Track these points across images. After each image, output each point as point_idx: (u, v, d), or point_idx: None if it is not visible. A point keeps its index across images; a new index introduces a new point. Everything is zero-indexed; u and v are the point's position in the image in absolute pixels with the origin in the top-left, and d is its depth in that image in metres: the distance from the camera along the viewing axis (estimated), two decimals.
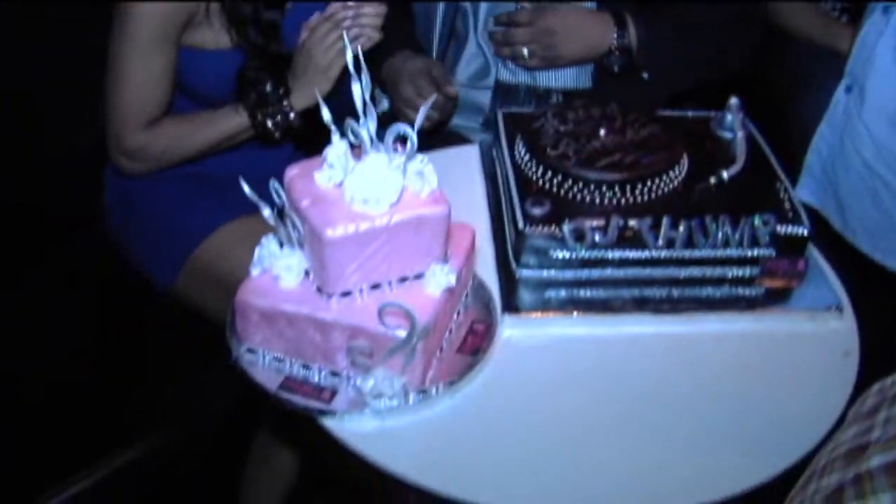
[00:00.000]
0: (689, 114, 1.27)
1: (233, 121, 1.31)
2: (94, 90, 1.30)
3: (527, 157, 1.13)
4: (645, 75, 1.46)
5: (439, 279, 0.91)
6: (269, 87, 1.29)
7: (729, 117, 1.21)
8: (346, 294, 0.90)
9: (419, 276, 0.92)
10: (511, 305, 1.04)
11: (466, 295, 1.04)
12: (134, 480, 1.19)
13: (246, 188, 0.91)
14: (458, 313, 1.01)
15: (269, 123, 1.30)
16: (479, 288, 1.06)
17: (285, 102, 1.29)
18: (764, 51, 1.59)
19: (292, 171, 0.93)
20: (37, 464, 1.18)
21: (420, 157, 0.90)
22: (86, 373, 1.31)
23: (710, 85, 1.47)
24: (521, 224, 1.04)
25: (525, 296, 1.06)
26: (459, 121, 1.56)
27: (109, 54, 1.26)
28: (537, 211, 1.05)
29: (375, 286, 0.91)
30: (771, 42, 1.63)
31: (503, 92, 1.52)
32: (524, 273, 1.06)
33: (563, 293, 1.07)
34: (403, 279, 0.92)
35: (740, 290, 1.08)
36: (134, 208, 1.39)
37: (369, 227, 0.87)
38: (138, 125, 1.28)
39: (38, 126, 1.46)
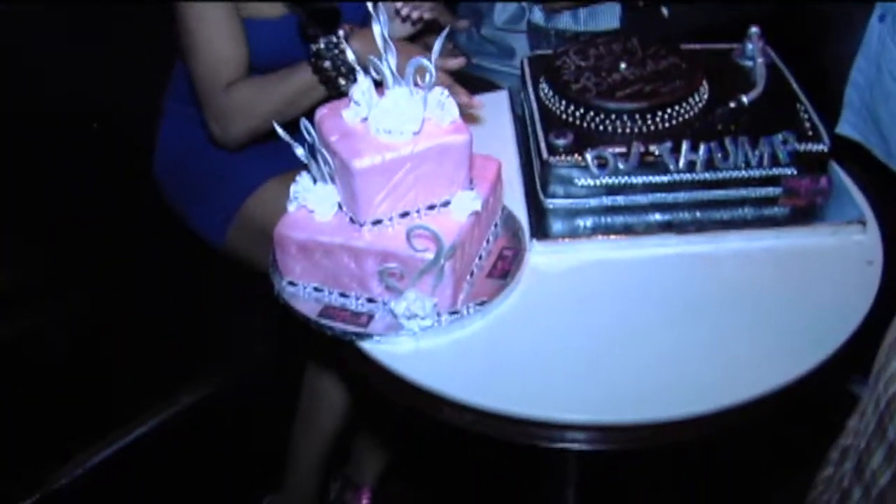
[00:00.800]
0: (712, 46, 1.28)
1: (299, 75, 1.31)
2: (143, 56, 1.36)
3: (550, 94, 1.16)
4: (665, 11, 1.47)
5: (465, 205, 0.96)
6: (322, 40, 1.30)
7: (749, 46, 1.22)
8: (377, 223, 0.95)
9: (446, 204, 0.97)
10: (540, 232, 1.08)
11: (496, 224, 1.08)
12: (190, 423, 1.26)
13: (279, 129, 0.97)
14: (488, 241, 1.05)
15: (330, 67, 1.28)
16: (509, 218, 1.10)
17: (342, 45, 1.28)
18: None
19: (322, 111, 0.98)
20: (97, 409, 1.27)
21: (440, 88, 0.94)
22: (139, 324, 1.39)
23: (734, 22, 1.47)
24: (545, 154, 1.08)
25: (554, 224, 1.10)
26: (494, 65, 1.61)
27: (180, 31, 1.30)
28: (561, 141, 1.08)
29: (404, 214, 0.95)
30: None
31: (535, 35, 1.56)
32: (552, 202, 1.10)
33: (589, 221, 1.10)
34: (431, 207, 0.97)
35: (764, 211, 1.10)
36: (184, 169, 1.46)
37: (394, 157, 0.91)
38: (218, 90, 1.31)
39: (92, 93, 1.52)
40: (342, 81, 1.29)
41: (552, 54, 1.23)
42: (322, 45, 1.28)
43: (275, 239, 0.99)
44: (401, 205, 0.94)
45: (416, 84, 0.93)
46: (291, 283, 1.01)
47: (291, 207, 0.99)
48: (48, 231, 1.46)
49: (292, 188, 0.98)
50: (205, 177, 1.45)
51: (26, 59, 1.44)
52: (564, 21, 1.53)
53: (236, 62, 1.32)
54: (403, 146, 0.91)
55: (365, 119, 0.94)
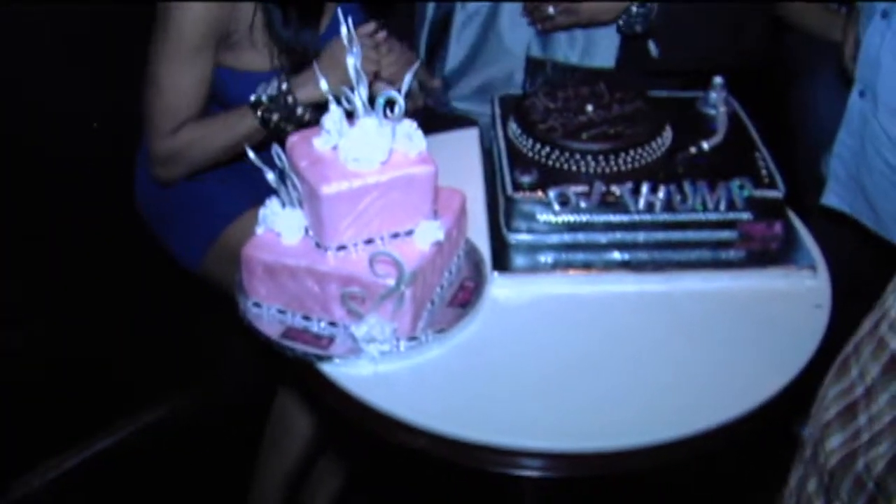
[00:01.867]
0: (678, 94, 1.33)
1: (244, 122, 1.34)
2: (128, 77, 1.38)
3: (518, 132, 1.20)
4: (653, 48, 1.50)
5: (428, 234, 0.98)
6: (265, 94, 1.33)
7: (713, 95, 1.27)
8: (342, 248, 0.97)
9: (410, 233, 0.99)
10: (501, 265, 1.10)
11: (459, 256, 1.10)
12: (153, 442, 1.27)
13: (251, 154, 1.00)
14: (451, 272, 1.08)
15: (276, 118, 1.32)
16: (472, 251, 1.13)
17: (288, 96, 1.32)
18: (772, 35, 1.63)
19: (293, 138, 1.01)
20: (63, 423, 1.27)
21: (408, 121, 0.97)
22: (111, 342, 1.40)
23: (722, 69, 1.49)
24: (509, 190, 1.11)
25: (515, 258, 1.12)
26: (473, 105, 1.64)
27: (150, 61, 1.30)
28: (525, 178, 1.11)
29: (369, 241, 0.98)
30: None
31: (533, 68, 1.59)
32: (514, 237, 1.12)
33: (550, 257, 1.12)
34: (395, 235, 0.99)
35: (721, 253, 1.13)
36: (163, 195, 1.48)
37: (362, 184, 0.94)
38: (165, 133, 1.33)
39: (70, 117, 1.54)
40: (288, 128, 1.32)
41: (522, 95, 1.27)
42: (264, 98, 1.30)
43: (242, 259, 1.01)
44: (366, 231, 0.97)
45: (385, 115, 0.95)
46: (256, 304, 1.03)
47: (260, 230, 1.01)
48: (26, 247, 1.48)
49: (261, 211, 1.01)
50: (183, 205, 1.46)
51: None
52: (562, 53, 1.56)
53: (193, 110, 1.33)
54: (371, 175, 0.94)
55: (335, 147, 0.97)
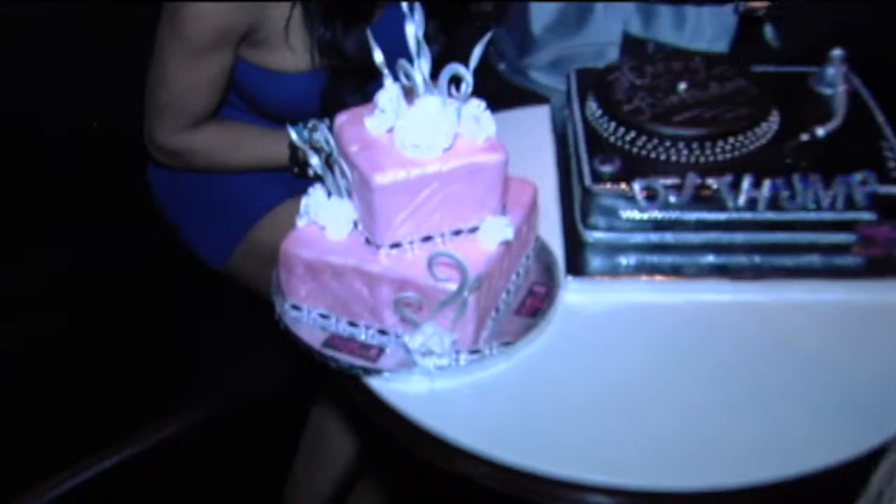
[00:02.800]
0: (787, 69, 1.29)
1: (273, 149, 1.39)
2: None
3: (599, 113, 1.18)
4: (771, 35, 1.47)
5: (495, 232, 0.97)
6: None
7: (830, 71, 1.23)
8: (396, 246, 0.96)
9: (474, 230, 0.98)
10: (576, 268, 1.09)
11: (528, 257, 1.09)
12: (166, 460, 1.29)
13: (293, 135, 1.00)
14: (518, 274, 1.07)
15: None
16: (542, 251, 1.12)
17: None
18: None
19: (342, 118, 1.00)
20: (81, 432, 1.29)
21: (476, 101, 0.96)
22: (119, 346, 1.42)
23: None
24: (588, 181, 1.09)
25: (592, 260, 1.11)
26: (545, 78, 1.62)
27: (156, 49, 1.31)
28: (606, 168, 1.10)
29: (427, 239, 0.97)
30: None
31: (631, 48, 1.56)
32: (591, 235, 1.11)
33: (633, 259, 1.11)
34: (457, 232, 0.98)
35: (834, 259, 1.10)
36: (186, 185, 1.49)
37: (420, 174, 0.93)
38: (175, 128, 1.36)
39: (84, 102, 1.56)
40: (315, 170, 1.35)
41: (604, 68, 1.25)
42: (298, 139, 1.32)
43: (281, 256, 1.00)
44: (424, 228, 0.96)
45: (449, 94, 0.95)
46: (295, 307, 1.03)
47: (301, 223, 1.01)
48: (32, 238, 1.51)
49: (303, 201, 1.00)
50: (208, 196, 1.47)
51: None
52: (665, 33, 1.53)
53: (206, 108, 1.36)
54: (431, 163, 0.93)
55: (390, 130, 0.96)
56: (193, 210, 1.50)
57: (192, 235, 1.50)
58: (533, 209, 1.07)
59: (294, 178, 1.42)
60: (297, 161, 1.38)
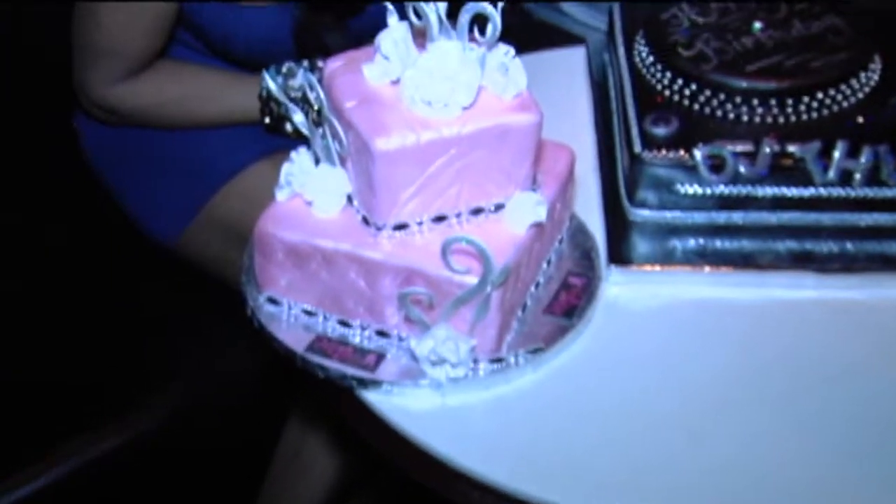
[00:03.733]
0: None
1: (238, 102, 1.44)
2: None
3: (650, 60, 1.22)
4: None
5: (525, 211, 1.01)
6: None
7: None
8: (402, 227, 1.00)
9: (499, 208, 1.02)
10: (620, 255, 1.14)
11: (561, 240, 1.14)
12: (113, 474, 1.33)
13: (269, 82, 1.04)
14: (549, 262, 1.11)
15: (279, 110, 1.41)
16: (579, 232, 1.16)
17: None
18: None
19: (335, 64, 1.03)
20: (31, 435, 1.35)
21: (504, 47, 0.99)
22: (53, 344, 1.46)
23: None
24: (637, 147, 1.13)
25: (640, 244, 1.15)
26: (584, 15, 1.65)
27: None
28: (661, 130, 1.13)
29: (440, 218, 1.01)
30: None
31: None
32: (640, 214, 1.15)
33: (691, 242, 1.15)
34: (477, 211, 1.02)
35: None
36: (127, 144, 1.53)
37: (434, 138, 0.96)
38: (113, 76, 1.40)
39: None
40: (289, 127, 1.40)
41: (657, 2, 1.28)
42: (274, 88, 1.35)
43: (255, 238, 1.04)
44: (436, 205, 1.00)
45: (471, 38, 0.98)
46: (273, 301, 1.07)
47: (281, 196, 1.04)
48: None
49: (284, 168, 1.03)
50: (156, 156, 1.51)
51: None
52: None
53: (147, 52, 1.40)
54: (447, 125, 0.96)
55: (396, 81, 0.99)
56: (138, 171, 1.53)
57: (136, 204, 1.53)
58: (569, 182, 1.11)
59: (266, 133, 1.46)
60: (271, 112, 1.41)
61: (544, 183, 1.06)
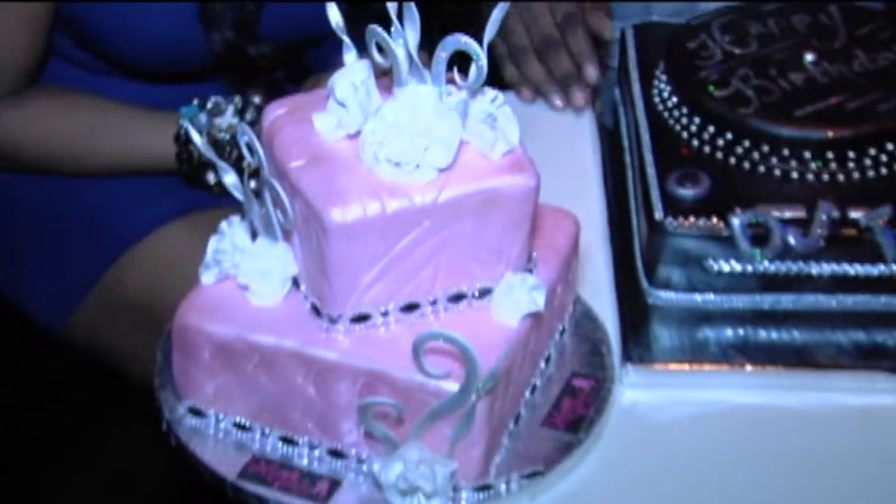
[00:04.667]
0: None
1: (165, 136, 1.44)
2: None
3: (673, 100, 1.24)
4: None
5: (518, 298, 1.03)
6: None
7: None
8: (362, 319, 1.02)
9: (485, 294, 1.04)
10: (638, 350, 1.17)
11: (563, 331, 1.16)
12: None
13: (196, 137, 1.06)
14: (548, 360, 1.14)
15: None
16: (586, 321, 1.19)
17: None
18: None
19: (276, 111, 1.06)
20: None
21: (491, 93, 1.01)
22: None
23: None
24: (658, 212, 1.15)
25: (663, 336, 1.18)
26: None
27: None
28: (687, 191, 1.16)
29: (411, 307, 1.03)
30: None
31: None
32: (663, 297, 1.18)
33: (729, 333, 1.18)
34: (458, 297, 1.04)
35: None
36: (9, 213, 1.55)
37: (403, 208, 0.97)
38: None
39: None
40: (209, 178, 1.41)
41: (681, 25, 1.31)
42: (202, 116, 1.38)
43: (174, 331, 1.06)
44: (406, 291, 1.01)
45: (450, 81, 1.00)
46: (196, 412, 1.09)
47: (208, 278, 1.06)
48: None
49: (212, 243, 1.05)
50: (39, 214, 1.53)
51: None
52: None
53: (22, 66, 1.42)
54: (420, 191, 0.98)
55: (355, 135, 1.01)
56: (7, 233, 1.54)
57: (11, 280, 1.55)
58: (573, 258, 1.13)
59: (184, 185, 1.47)
60: (189, 158, 1.43)
61: (542, 261, 1.09)
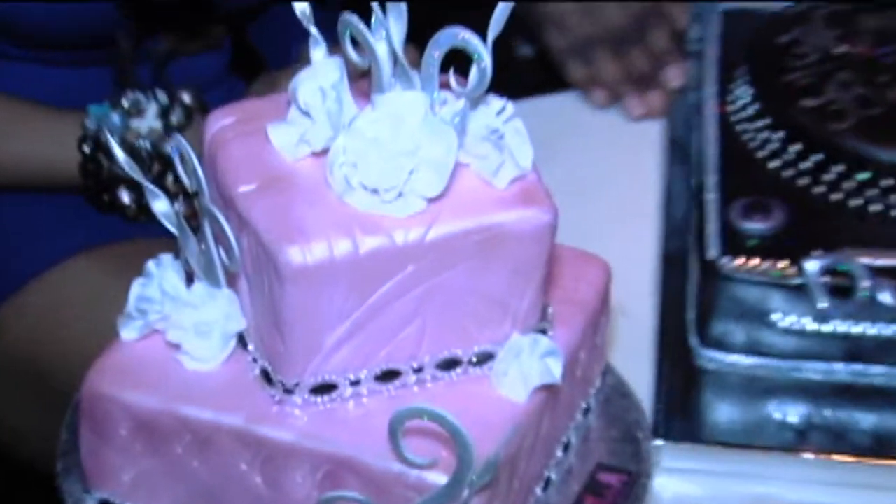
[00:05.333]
0: None
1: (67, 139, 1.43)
2: None
3: (752, 109, 1.23)
4: None
5: (527, 366, 1.00)
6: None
7: None
8: (326, 389, 0.99)
9: (484, 360, 1.02)
10: (683, 426, 1.14)
11: (588, 410, 1.13)
12: None
13: (113, 144, 1.03)
14: (567, 447, 1.11)
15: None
16: (617, 396, 1.15)
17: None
18: None
19: (221, 121, 1.03)
20: None
21: (498, 102, 0.99)
22: None
23: None
24: (713, 250, 1.13)
25: (716, 409, 1.16)
26: None
27: None
28: (755, 224, 1.14)
29: (388, 375, 1.00)
30: None
31: None
32: (716, 359, 1.16)
33: (802, 409, 1.16)
34: (450, 364, 1.02)
35: None
36: None
37: (380, 247, 0.95)
38: None
39: None
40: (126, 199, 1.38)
41: (775, 14, 1.31)
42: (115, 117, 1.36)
43: (82, 401, 1.03)
44: (383, 354, 0.99)
45: (444, 86, 0.97)
46: None
47: (128, 333, 1.04)
48: None
49: (135, 288, 1.03)
50: None
51: None
52: None
53: None
54: (403, 226, 0.95)
55: (322, 153, 0.98)
56: None
57: None
58: (601, 315, 1.10)
59: (91, 209, 1.45)
60: (97, 171, 1.41)
61: (560, 319, 1.06)
